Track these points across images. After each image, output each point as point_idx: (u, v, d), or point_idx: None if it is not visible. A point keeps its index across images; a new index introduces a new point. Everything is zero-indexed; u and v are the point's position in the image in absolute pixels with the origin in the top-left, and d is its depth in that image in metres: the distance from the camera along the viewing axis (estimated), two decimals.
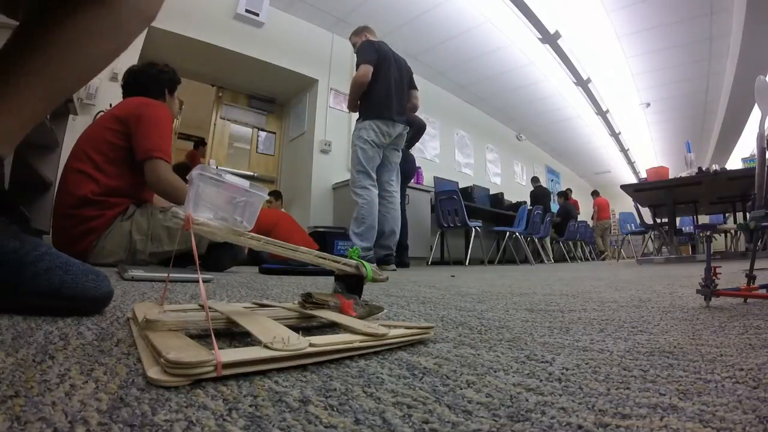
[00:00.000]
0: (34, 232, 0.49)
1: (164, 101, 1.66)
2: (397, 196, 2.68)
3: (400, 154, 2.74)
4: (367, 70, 2.51)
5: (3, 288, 0.43)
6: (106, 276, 0.50)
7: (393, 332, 0.37)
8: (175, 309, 0.44)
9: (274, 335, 0.31)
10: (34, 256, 0.44)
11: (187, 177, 0.38)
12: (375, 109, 2.54)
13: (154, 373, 0.25)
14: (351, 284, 0.51)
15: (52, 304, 0.45)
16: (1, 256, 0.42)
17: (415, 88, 2.81)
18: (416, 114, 3.43)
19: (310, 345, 0.30)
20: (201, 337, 0.35)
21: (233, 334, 0.41)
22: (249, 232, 0.40)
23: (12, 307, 0.44)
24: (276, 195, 3.81)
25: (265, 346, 0.29)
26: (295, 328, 0.35)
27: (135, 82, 1.64)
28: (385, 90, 2.57)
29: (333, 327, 0.44)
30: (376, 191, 2.51)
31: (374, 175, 2.55)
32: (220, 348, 0.27)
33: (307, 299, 0.47)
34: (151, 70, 1.67)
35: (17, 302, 0.44)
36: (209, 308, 0.42)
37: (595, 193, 8.39)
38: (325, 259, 0.47)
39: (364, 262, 0.50)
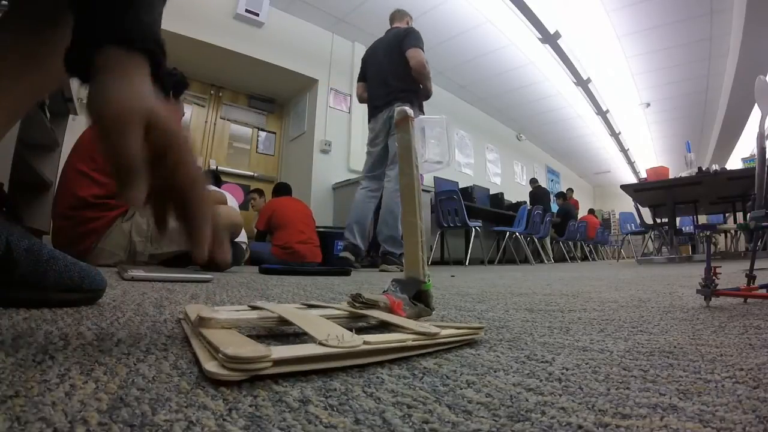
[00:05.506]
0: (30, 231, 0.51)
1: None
2: (391, 184, 2.58)
3: None
4: (357, 88, 2.85)
5: (23, 284, 0.48)
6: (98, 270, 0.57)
7: (445, 332, 0.36)
8: (226, 309, 0.45)
9: (328, 333, 0.31)
10: (47, 254, 0.48)
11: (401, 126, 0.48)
12: (368, 113, 2.76)
13: (211, 367, 0.25)
14: (415, 295, 0.50)
15: (73, 297, 0.51)
16: (17, 256, 0.45)
17: (411, 46, 2.53)
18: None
19: (365, 343, 0.30)
20: (252, 335, 0.35)
21: (286, 333, 0.41)
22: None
23: (34, 300, 0.49)
24: (259, 193, 3.78)
25: (320, 343, 0.29)
26: (345, 328, 0.35)
27: None
28: (369, 93, 2.76)
29: (382, 327, 0.45)
30: (363, 190, 2.68)
31: (370, 175, 2.71)
32: (274, 345, 0.27)
33: (357, 299, 0.47)
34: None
35: (40, 296, 0.48)
36: (260, 308, 0.43)
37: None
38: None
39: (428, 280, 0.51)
